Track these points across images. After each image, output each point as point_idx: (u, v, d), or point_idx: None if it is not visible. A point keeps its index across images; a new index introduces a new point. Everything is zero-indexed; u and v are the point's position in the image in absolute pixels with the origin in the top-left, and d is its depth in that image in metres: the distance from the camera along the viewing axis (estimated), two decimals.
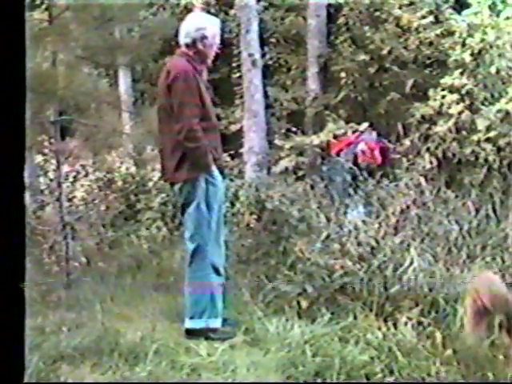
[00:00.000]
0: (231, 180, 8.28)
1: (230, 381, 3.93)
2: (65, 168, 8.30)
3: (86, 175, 10.66)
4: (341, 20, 11.48)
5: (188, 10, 13.75)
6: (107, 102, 8.00)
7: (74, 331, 4.94)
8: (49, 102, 7.14)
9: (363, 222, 6.03)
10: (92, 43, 7.22)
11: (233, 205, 7.33)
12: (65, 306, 5.97)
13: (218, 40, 4.81)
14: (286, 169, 9.87)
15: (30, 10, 9.36)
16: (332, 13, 11.76)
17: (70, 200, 9.00)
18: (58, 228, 7.30)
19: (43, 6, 8.60)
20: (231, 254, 5.37)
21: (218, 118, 6.18)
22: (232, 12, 13.35)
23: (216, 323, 4.69)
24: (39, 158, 10.72)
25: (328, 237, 5.88)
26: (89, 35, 7.16)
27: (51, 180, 10.30)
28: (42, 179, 10.83)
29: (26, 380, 2.69)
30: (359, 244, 5.59)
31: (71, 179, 10.36)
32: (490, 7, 9.00)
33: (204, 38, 4.70)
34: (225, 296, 4.86)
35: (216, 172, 4.63)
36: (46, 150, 9.44)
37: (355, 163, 7.58)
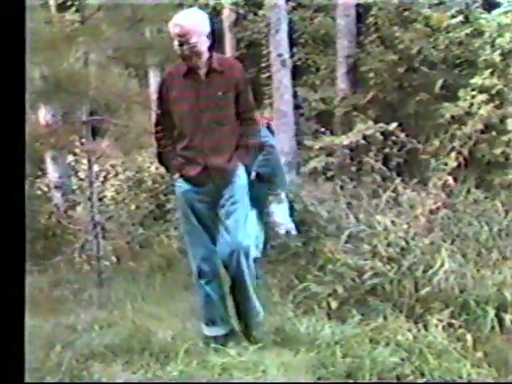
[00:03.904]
0: None
1: (261, 381, 3.94)
2: (95, 167, 8.36)
3: (116, 175, 10.72)
4: (370, 20, 11.46)
5: (217, 10, 13.81)
6: (138, 102, 8.05)
7: (105, 330, 5.00)
8: (80, 102, 7.21)
9: (392, 222, 6.01)
10: (123, 43, 7.28)
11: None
12: (96, 304, 6.04)
13: (178, 31, 4.26)
14: (315, 169, 9.84)
15: (62, 11, 9.46)
16: (361, 13, 11.73)
17: (100, 200, 9.06)
18: (88, 227, 7.37)
19: (74, 8, 8.71)
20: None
21: None
22: (261, 12, 13.36)
23: (209, 331, 4.60)
24: (70, 158, 10.81)
25: (356, 237, 5.88)
26: (120, 35, 7.21)
27: (81, 180, 10.39)
28: (72, 179, 10.92)
29: (27, 380, 2.71)
30: (389, 245, 5.57)
31: (101, 179, 10.43)
32: None
33: (174, 34, 4.33)
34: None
35: (180, 180, 4.51)
36: (77, 150, 9.52)
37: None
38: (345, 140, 9.51)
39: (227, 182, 4.44)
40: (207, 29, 4.37)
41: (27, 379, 3.84)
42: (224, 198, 4.43)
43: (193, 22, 4.32)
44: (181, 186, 4.51)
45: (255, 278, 4.62)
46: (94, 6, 7.34)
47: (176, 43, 4.30)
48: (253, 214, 5.54)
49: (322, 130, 11.02)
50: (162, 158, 4.63)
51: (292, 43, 11.37)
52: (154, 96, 11.74)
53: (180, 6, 12.99)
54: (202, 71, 4.39)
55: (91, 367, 4.18)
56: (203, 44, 4.33)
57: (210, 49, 4.41)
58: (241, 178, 4.49)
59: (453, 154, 7.39)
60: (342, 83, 11.28)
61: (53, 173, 10.63)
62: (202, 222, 4.50)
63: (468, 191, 6.78)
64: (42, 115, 9.95)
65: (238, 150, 4.47)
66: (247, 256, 4.42)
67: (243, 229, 4.45)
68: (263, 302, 4.97)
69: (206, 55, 4.38)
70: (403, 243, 5.58)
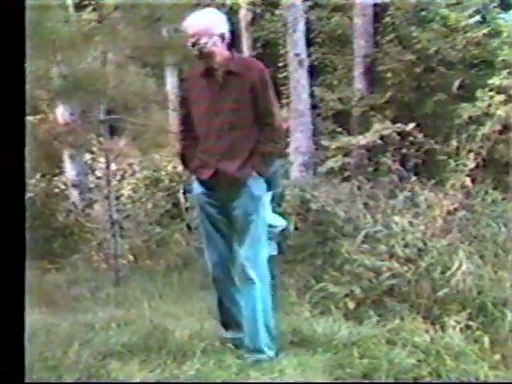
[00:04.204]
0: None
1: (277, 381, 3.95)
2: (113, 166, 8.39)
3: (133, 174, 10.73)
4: (387, 20, 11.44)
5: (234, 10, 13.83)
6: (155, 102, 8.09)
7: (123, 328, 5.01)
8: (98, 101, 7.25)
9: (410, 223, 5.99)
10: (140, 43, 7.29)
11: (279, 205, 7.33)
12: (114, 303, 6.07)
13: (189, 32, 4.18)
14: (332, 169, 9.81)
15: (79, 10, 9.52)
16: (378, 12, 11.70)
17: (117, 198, 9.07)
18: (106, 226, 7.41)
19: (91, 7, 8.75)
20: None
21: None
22: (278, 12, 13.37)
23: (225, 333, 4.60)
24: (88, 157, 10.84)
25: (374, 237, 5.87)
26: (137, 35, 7.23)
27: (99, 178, 10.42)
28: (90, 177, 10.96)
29: (27, 380, 2.70)
30: (406, 246, 5.55)
31: (118, 177, 10.45)
32: None
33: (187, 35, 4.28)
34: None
35: (196, 182, 4.47)
36: (95, 149, 9.57)
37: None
38: (362, 140, 9.48)
39: (236, 190, 4.28)
40: (220, 29, 4.24)
41: (45, 377, 3.89)
42: (237, 210, 4.30)
43: (203, 23, 4.21)
44: (195, 188, 4.48)
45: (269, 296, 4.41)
46: (111, 5, 7.38)
47: (189, 44, 4.21)
48: None
49: (339, 129, 10.99)
50: (183, 159, 4.63)
51: (309, 43, 11.33)
52: (171, 95, 11.85)
53: (197, 6, 13.06)
54: (219, 73, 4.28)
55: (109, 365, 4.19)
56: (215, 45, 4.20)
57: (230, 49, 4.32)
58: (254, 188, 4.27)
59: (471, 155, 7.32)
60: (359, 83, 11.26)
61: (70, 171, 10.70)
62: (215, 225, 4.43)
63: (486, 192, 6.74)
64: (60, 114, 10.01)
65: (253, 157, 4.27)
66: (259, 273, 4.30)
67: (257, 242, 4.33)
68: (280, 302, 4.98)
69: (221, 56, 4.25)
70: (420, 244, 5.55)
